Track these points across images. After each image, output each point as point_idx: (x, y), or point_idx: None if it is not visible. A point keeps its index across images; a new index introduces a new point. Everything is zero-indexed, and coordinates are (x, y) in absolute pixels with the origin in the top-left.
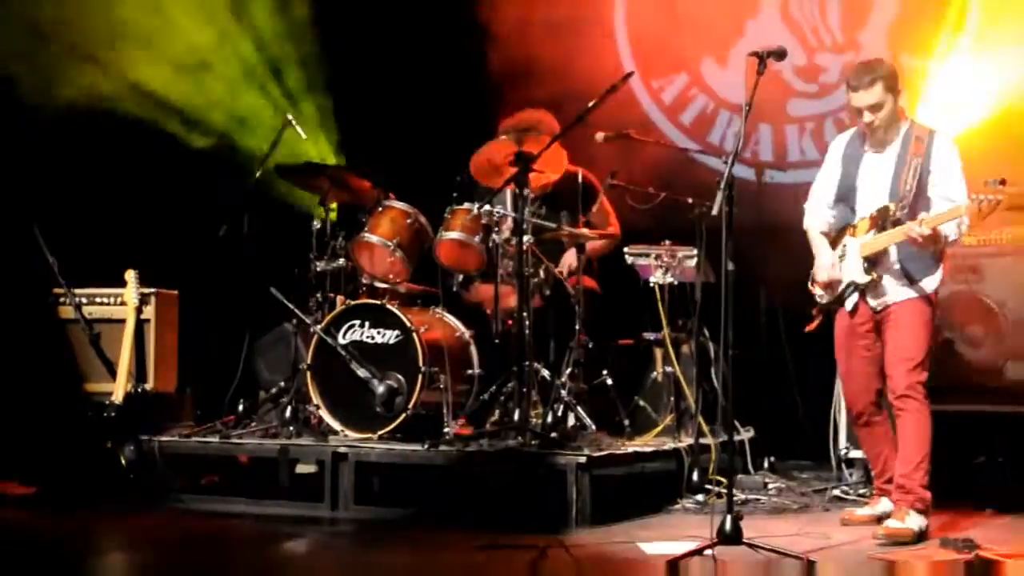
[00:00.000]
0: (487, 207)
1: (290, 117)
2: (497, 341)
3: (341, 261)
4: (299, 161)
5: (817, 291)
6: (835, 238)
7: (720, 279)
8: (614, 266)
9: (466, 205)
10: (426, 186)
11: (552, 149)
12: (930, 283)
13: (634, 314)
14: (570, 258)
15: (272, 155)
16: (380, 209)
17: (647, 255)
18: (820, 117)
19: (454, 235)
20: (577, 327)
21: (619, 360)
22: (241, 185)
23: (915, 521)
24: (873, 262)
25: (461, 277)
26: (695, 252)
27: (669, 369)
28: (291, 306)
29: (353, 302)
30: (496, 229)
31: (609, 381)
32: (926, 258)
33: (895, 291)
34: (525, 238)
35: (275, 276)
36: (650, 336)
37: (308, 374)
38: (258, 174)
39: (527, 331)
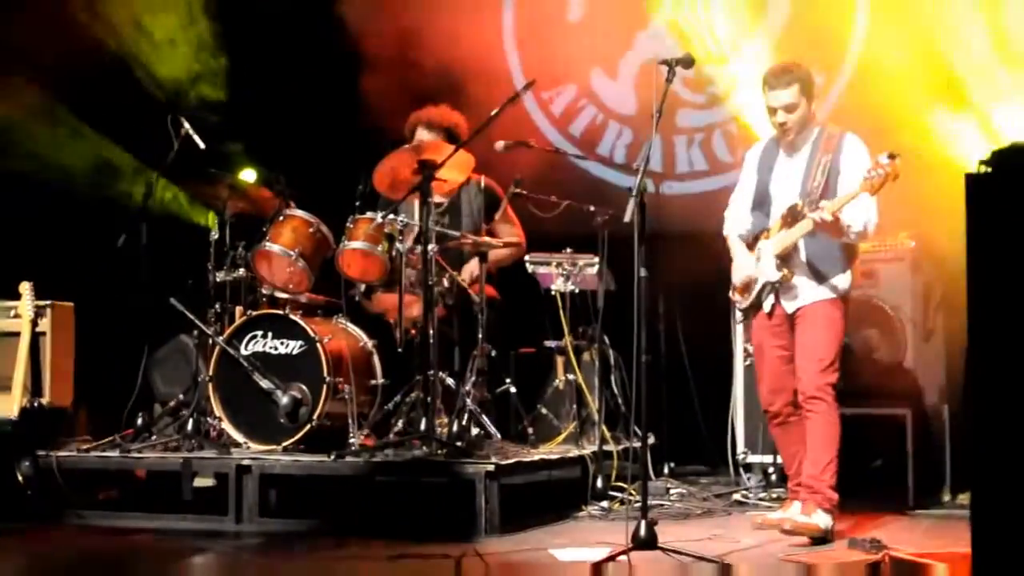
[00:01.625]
0: (391, 216)
1: (187, 125)
2: (400, 350)
3: (241, 271)
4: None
5: (736, 298)
6: (751, 243)
7: (633, 286)
8: (516, 274)
9: (369, 214)
10: (327, 195)
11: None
12: (840, 283)
13: (536, 322)
14: (472, 267)
15: (169, 163)
16: (281, 218)
17: (548, 263)
18: (709, 128)
19: (357, 245)
20: (480, 336)
21: (522, 368)
22: (138, 194)
23: (822, 519)
24: (785, 259)
25: (364, 287)
26: (596, 260)
27: (571, 377)
28: (192, 317)
29: (255, 312)
30: (400, 238)
31: (512, 389)
32: (834, 256)
33: (806, 292)
34: (430, 247)
35: (173, 287)
36: (552, 344)
37: (209, 386)
38: (156, 183)
39: (431, 340)
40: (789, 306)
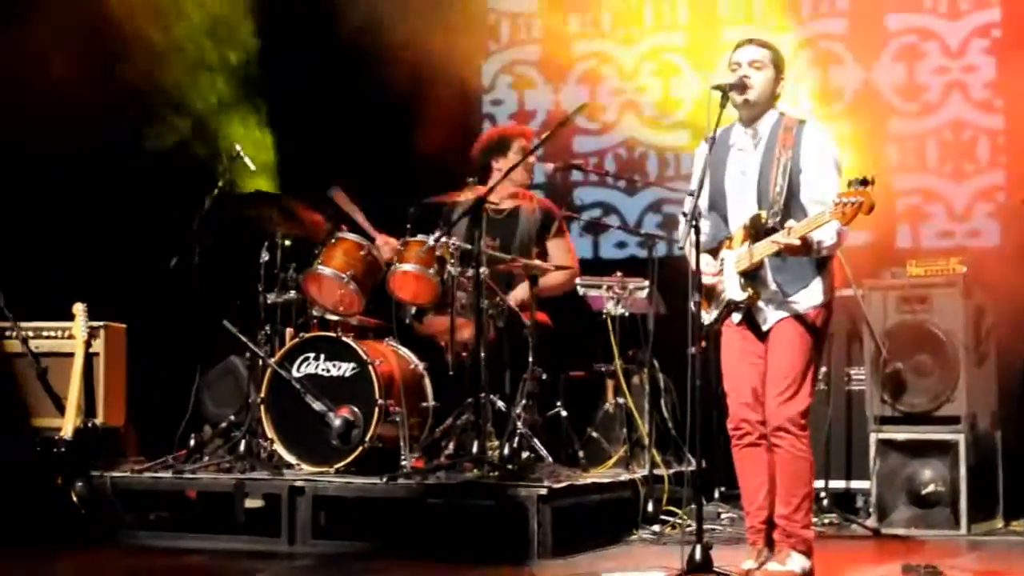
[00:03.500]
0: (443, 239)
1: (239, 148)
2: (451, 373)
3: (292, 294)
4: (250, 191)
5: (702, 313)
6: (713, 252)
7: (688, 310)
8: (566, 297)
9: (420, 237)
10: (380, 218)
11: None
12: (807, 298)
13: (586, 346)
14: (520, 292)
15: (221, 187)
16: (333, 241)
17: (598, 286)
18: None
19: (408, 267)
20: (530, 359)
21: (572, 392)
22: (192, 217)
23: (798, 563)
24: (751, 277)
25: (414, 309)
26: (646, 284)
27: (621, 400)
28: (244, 339)
29: (308, 335)
30: (451, 261)
31: (563, 413)
32: (801, 270)
33: (772, 311)
34: (481, 270)
35: (225, 309)
36: (602, 367)
37: (261, 407)
38: (208, 205)
39: (482, 363)
40: (763, 323)
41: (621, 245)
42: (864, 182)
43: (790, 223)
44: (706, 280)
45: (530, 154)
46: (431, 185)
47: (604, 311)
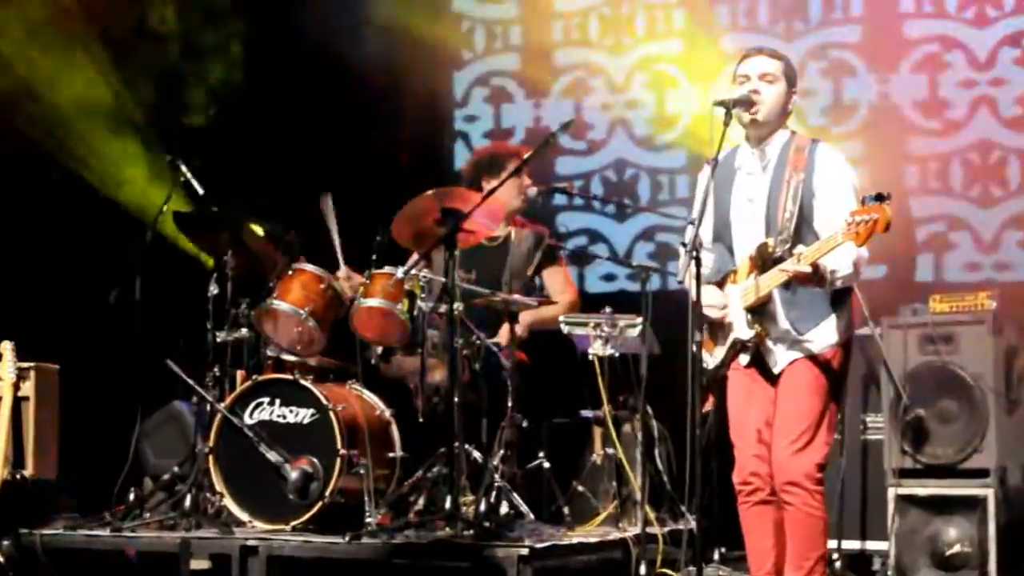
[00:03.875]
0: (412, 271)
1: (184, 168)
2: (422, 420)
3: (244, 331)
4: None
5: (705, 355)
6: (718, 287)
7: (689, 350)
8: (549, 337)
9: (387, 268)
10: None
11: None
12: (823, 337)
13: (571, 390)
14: (524, 318)
15: (166, 209)
16: (290, 273)
17: (584, 324)
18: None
19: (374, 302)
20: (510, 404)
21: (555, 441)
22: (133, 245)
23: None
24: (758, 313)
25: (381, 349)
26: (638, 321)
27: (610, 451)
28: (190, 382)
29: (261, 377)
30: (422, 296)
31: (545, 464)
32: (815, 306)
33: (783, 351)
34: (456, 305)
35: (169, 348)
36: (589, 414)
37: (209, 458)
38: (151, 232)
39: (456, 408)
40: (774, 366)
41: (609, 278)
42: (879, 197)
43: (799, 249)
44: (712, 313)
45: (510, 176)
46: (398, 210)
47: (591, 351)
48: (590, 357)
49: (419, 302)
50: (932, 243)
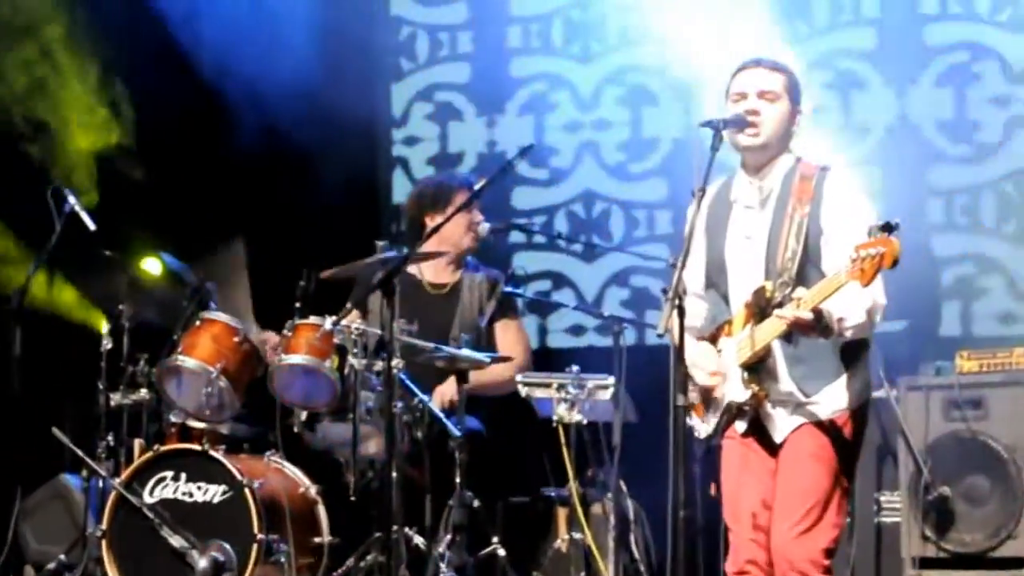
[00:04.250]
0: (344, 322)
1: (73, 200)
2: (353, 499)
3: (143, 392)
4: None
5: (693, 421)
6: (710, 341)
7: (671, 417)
8: (506, 401)
9: (313, 319)
10: (259, 295)
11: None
12: (832, 400)
13: (531, 463)
14: (447, 390)
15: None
16: (197, 323)
17: (547, 385)
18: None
19: (298, 359)
20: (458, 480)
21: (513, 523)
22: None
23: None
24: (755, 371)
25: (305, 415)
26: (610, 381)
27: (577, 535)
28: (80, 453)
29: (164, 447)
30: (354, 351)
31: (500, 551)
32: (823, 362)
33: (786, 416)
34: (395, 363)
35: (55, 413)
36: (552, 492)
37: (102, 543)
38: (31, 275)
39: (395, 485)
40: (776, 433)
41: (577, 330)
42: (887, 228)
43: (799, 292)
44: (700, 378)
45: (460, 210)
46: (325, 253)
47: (555, 418)
48: (553, 424)
49: (351, 359)
50: (959, 289)
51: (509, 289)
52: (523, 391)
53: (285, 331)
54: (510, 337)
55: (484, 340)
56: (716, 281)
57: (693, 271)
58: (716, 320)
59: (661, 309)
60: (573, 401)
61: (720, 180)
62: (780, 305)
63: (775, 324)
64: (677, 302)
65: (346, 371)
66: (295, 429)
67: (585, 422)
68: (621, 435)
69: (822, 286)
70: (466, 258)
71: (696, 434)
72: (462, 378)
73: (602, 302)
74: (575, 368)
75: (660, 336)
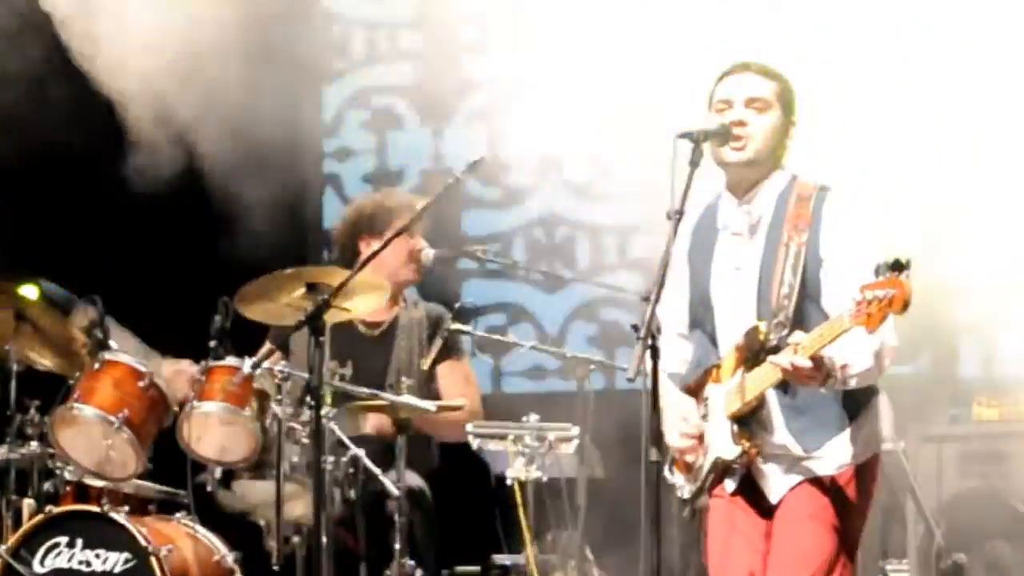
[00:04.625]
0: (266, 365)
1: None
2: (276, 568)
3: (33, 446)
4: None
5: (676, 477)
6: (695, 388)
7: (643, 474)
8: (454, 454)
9: (230, 361)
10: (166, 333)
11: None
12: (835, 455)
13: (483, 526)
14: (378, 421)
15: None
16: (96, 367)
17: (501, 437)
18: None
19: (212, 407)
20: (397, 547)
21: None
22: None
23: None
24: (746, 424)
25: (220, 471)
26: (574, 432)
27: None
28: None
29: (57, 509)
30: (278, 397)
31: None
32: (825, 412)
33: (781, 475)
34: (324, 411)
35: None
36: (506, 560)
37: None
38: None
39: (325, 552)
40: (771, 493)
41: (536, 373)
42: (897, 266)
43: (796, 336)
44: (672, 439)
45: (399, 234)
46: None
47: (509, 474)
48: (508, 481)
49: (274, 406)
50: (977, 324)
51: (455, 326)
52: (474, 443)
53: (197, 374)
54: (456, 381)
55: (426, 386)
56: (702, 319)
57: (675, 308)
58: (701, 364)
59: (633, 348)
60: (531, 455)
61: (705, 202)
62: (775, 349)
63: (769, 372)
64: (650, 341)
65: (268, 421)
66: (209, 488)
67: (545, 479)
68: (586, 494)
69: (823, 331)
70: (405, 292)
71: (679, 493)
72: (403, 428)
73: (565, 339)
74: (534, 417)
75: (631, 380)
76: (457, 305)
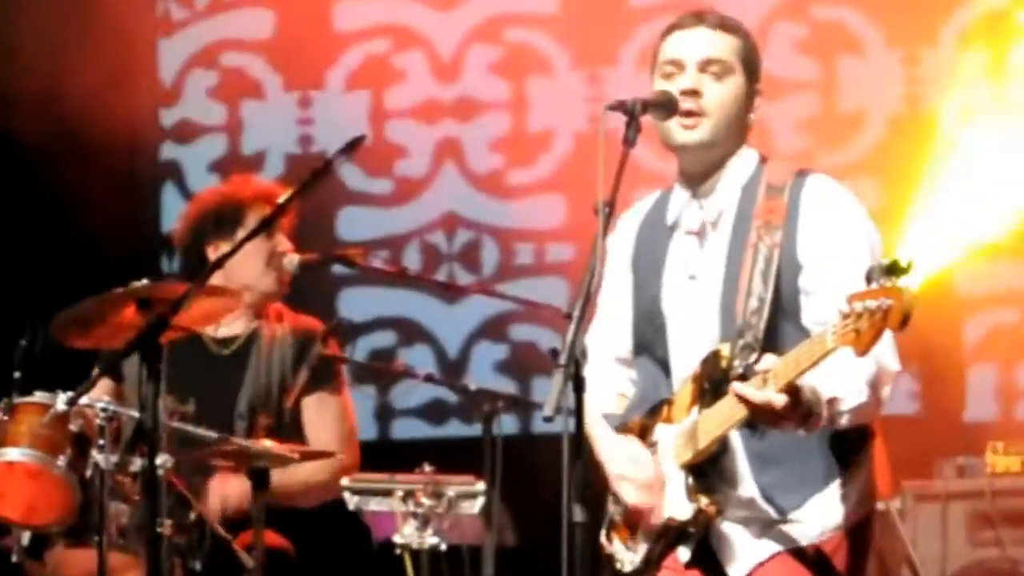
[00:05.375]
0: (85, 400)
1: None
2: None
3: None
4: None
5: (615, 546)
6: (642, 429)
7: (564, 542)
8: (329, 513)
9: (39, 396)
10: None
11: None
12: (820, 517)
13: None
14: (232, 489)
15: None
16: None
17: (386, 492)
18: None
19: (16, 455)
20: None
21: None
22: None
23: None
24: (703, 475)
25: (27, 537)
26: (479, 488)
27: None
28: None
29: None
30: (101, 442)
31: None
32: (803, 461)
33: (748, 541)
34: (159, 459)
35: None
36: None
37: None
38: None
39: None
40: (733, 566)
41: (433, 411)
42: (895, 269)
43: (767, 362)
44: (629, 496)
45: (254, 235)
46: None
47: (398, 541)
48: (396, 551)
49: (95, 453)
50: (991, 347)
51: (328, 350)
52: (351, 502)
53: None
54: (327, 420)
55: (289, 424)
56: (650, 342)
57: (614, 327)
58: (647, 399)
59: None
60: (426, 516)
61: (653, 195)
62: (742, 379)
63: (732, 408)
64: (573, 370)
65: (88, 472)
66: (14, 558)
67: (443, 547)
68: (494, 566)
69: (799, 353)
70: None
71: (619, 566)
72: (259, 480)
73: (467, 364)
74: (427, 468)
75: (548, 420)
76: (332, 322)
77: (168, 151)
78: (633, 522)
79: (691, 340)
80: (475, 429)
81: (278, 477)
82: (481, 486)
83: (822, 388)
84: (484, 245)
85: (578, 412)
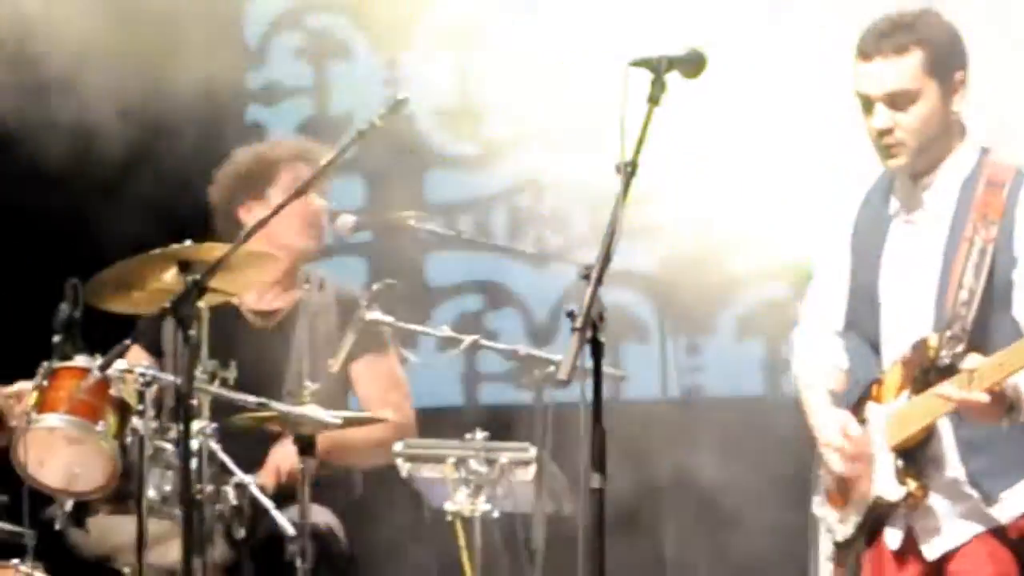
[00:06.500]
0: (123, 364)
1: None
2: None
3: None
4: None
5: (826, 512)
6: (855, 408)
7: (581, 505)
8: (377, 480)
9: (80, 361)
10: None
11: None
12: (1021, 500)
13: (416, 574)
14: (284, 458)
15: None
16: None
17: (439, 459)
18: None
19: (56, 422)
20: None
21: None
22: None
23: None
24: (911, 458)
25: (71, 504)
26: (531, 454)
27: None
28: None
29: None
30: (140, 407)
31: None
32: (1013, 447)
33: (953, 521)
34: (196, 425)
35: None
36: None
37: None
38: None
39: None
40: (929, 547)
41: (488, 377)
42: None
43: (971, 361)
44: (835, 464)
45: (300, 193)
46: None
47: (449, 508)
48: (448, 517)
49: (135, 420)
50: None
51: (372, 316)
52: (403, 468)
53: (39, 379)
54: (378, 383)
55: (342, 393)
56: (863, 319)
57: (832, 300)
58: (860, 381)
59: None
60: (478, 484)
61: (877, 178)
62: (947, 370)
63: (934, 404)
64: (590, 333)
65: (127, 438)
66: (56, 525)
67: (495, 514)
68: (545, 534)
69: (1009, 355)
70: (304, 268)
71: (831, 533)
72: (306, 449)
73: (558, 329)
74: (480, 435)
75: (563, 385)
76: (375, 286)
77: (254, 113)
78: (844, 491)
79: (903, 325)
80: (525, 396)
81: (333, 439)
82: (533, 452)
83: None
84: (573, 209)
85: (596, 375)
